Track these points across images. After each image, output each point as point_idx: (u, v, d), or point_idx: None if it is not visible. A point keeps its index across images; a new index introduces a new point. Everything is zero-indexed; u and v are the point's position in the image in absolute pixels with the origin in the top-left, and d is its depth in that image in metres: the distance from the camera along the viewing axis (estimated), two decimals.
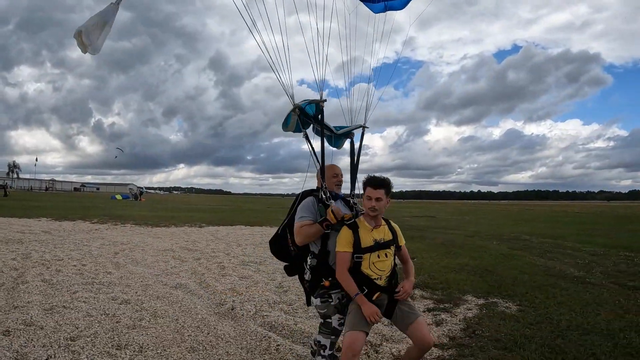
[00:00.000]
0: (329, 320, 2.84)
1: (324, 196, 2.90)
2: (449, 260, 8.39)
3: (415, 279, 6.40)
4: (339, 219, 2.75)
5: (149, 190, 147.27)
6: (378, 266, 2.73)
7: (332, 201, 2.87)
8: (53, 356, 3.37)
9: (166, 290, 5.70)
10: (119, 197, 53.86)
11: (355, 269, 2.71)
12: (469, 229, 16.86)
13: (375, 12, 3.79)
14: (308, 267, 2.93)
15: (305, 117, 3.08)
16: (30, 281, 5.85)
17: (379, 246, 2.74)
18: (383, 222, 2.88)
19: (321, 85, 3.15)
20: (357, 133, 3.68)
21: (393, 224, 2.96)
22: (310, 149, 3.09)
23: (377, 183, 2.75)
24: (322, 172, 3.01)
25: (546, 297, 5.47)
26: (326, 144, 3.20)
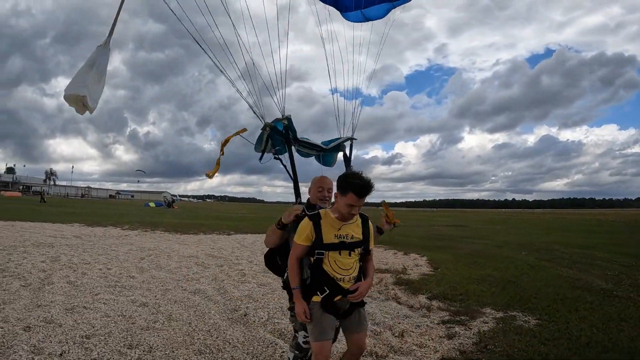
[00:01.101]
0: (296, 334, 2.91)
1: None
2: (473, 271, 8.43)
3: (431, 290, 6.51)
4: (294, 218, 2.78)
5: (183, 198, 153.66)
6: (341, 265, 2.59)
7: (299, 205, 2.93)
8: (67, 352, 3.69)
9: (184, 295, 5.98)
10: (152, 204, 56.13)
11: (316, 266, 2.60)
12: (499, 239, 16.72)
13: (351, 21, 3.90)
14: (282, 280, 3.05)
15: (279, 134, 3.22)
16: (56, 282, 6.33)
17: (343, 246, 2.58)
18: (356, 217, 2.69)
19: (283, 102, 3.24)
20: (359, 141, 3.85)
21: (370, 222, 2.79)
22: (286, 167, 3.26)
23: (366, 193, 2.52)
24: (296, 186, 3.24)
25: (568, 310, 5.30)
26: (307, 159, 3.46)
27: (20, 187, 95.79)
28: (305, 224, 2.62)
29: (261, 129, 3.17)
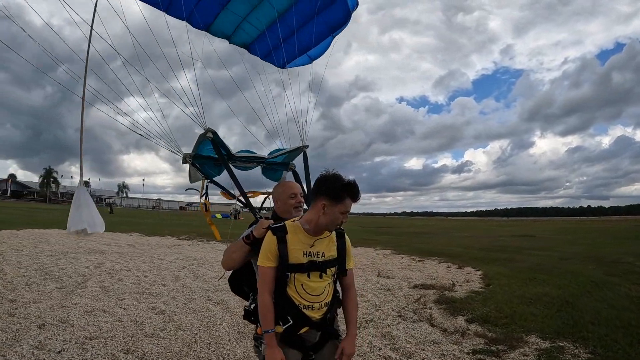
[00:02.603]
0: None
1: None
2: (528, 289, 7.98)
3: (473, 310, 6.12)
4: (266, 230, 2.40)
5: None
6: (309, 290, 2.29)
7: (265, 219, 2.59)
8: (66, 350, 4.12)
9: (206, 305, 6.24)
10: (219, 215, 58.88)
11: (279, 291, 2.29)
12: (565, 250, 16.14)
13: (301, 64, 3.95)
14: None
15: (205, 158, 3.09)
16: (89, 287, 6.96)
17: (313, 266, 2.29)
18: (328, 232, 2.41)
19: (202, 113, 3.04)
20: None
21: (347, 236, 2.49)
22: (224, 187, 3.08)
23: (358, 196, 2.31)
24: (248, 200, 2.98)
25: (630, 342, 4.68)
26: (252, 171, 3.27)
27: (95, 200, 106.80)
28: (269, 240, 2.30)
29: (182, 162, 3.00)
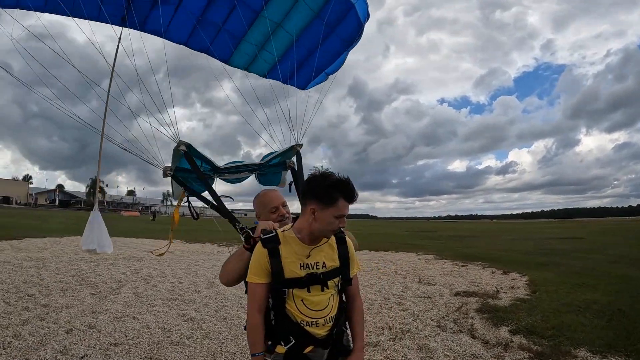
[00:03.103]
0: None
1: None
2: (576, 295, 7.57)
3: (517, 320, 5.72)
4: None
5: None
6: (311, 305, 2.06)
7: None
8: (88, 356, 4.17)
9: (237, 313, 6.17)
10: None
11: (277, 308, 2.09)
12: (616, 253, 15.42)
13: (319, 82, 4.06)
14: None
15: (188, 171, 2.96)
16: (123, 293, 7.07)
17: (313, 279, 2.06)
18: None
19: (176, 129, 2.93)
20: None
21: (349, 239, 2.26)
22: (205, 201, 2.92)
23: (355, 196, 2.05)
24: (227, 211, 2.77)
25: None
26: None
27: (140, 208, 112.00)
28: (259, 253, 2.06)
29: (162, 176, 2.91)
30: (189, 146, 2.86)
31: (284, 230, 2.14)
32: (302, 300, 2.04)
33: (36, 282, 7.56)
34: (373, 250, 17.22)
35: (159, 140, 2.95)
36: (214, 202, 2.87)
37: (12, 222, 26.39)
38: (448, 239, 25.58)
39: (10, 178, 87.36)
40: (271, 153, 3.28)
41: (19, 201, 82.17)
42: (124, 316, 5.62)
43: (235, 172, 3.20)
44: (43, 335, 4.61)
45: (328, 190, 1.98)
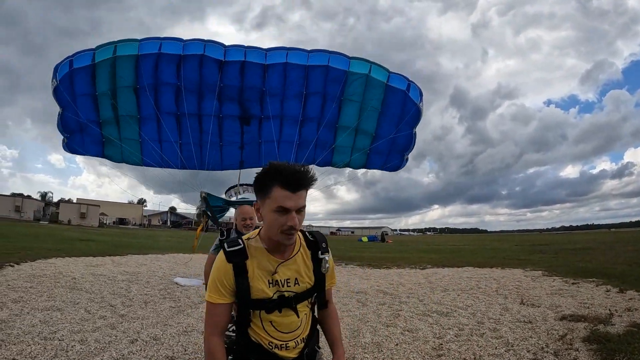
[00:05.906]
0: None
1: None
2: None
3: (632, 354, 4.83)
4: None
5: (403, 232, 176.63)
6: (280, 327, 1.82)
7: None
8: None
9: None
10: (364, 239, 60.13)
11: (240, 329, 1.85)
12: None
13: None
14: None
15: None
16: (202, 308, 7.47)
17: (283, 301, 1.81)
18: (298, 247, 1.90)
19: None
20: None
21: (323, 246, 1.94)
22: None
23: (302, 180, 1.71)
24: (216, 219, 5.87)
25: None
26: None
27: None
28: (223, 270, 1.78)
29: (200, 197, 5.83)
30: (208, 194, 5.76)
31: (249, 239, 1.86)
32: (270, 322, 1.81)
33: (122, 294, 8.17)
34: (477, 267, 16.06)
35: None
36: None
37: (126, 241, 29.31)
38: (560, 252, 22.91)
39: (127, 202, 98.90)
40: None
41: (134, 222, 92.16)
42: (193, 330, 5.76)
43: (235, 203, 5.44)
44: (107, 342, 4.90)
45: (261, 179, 1.74)
